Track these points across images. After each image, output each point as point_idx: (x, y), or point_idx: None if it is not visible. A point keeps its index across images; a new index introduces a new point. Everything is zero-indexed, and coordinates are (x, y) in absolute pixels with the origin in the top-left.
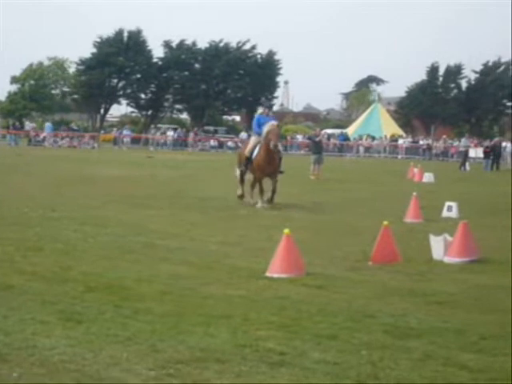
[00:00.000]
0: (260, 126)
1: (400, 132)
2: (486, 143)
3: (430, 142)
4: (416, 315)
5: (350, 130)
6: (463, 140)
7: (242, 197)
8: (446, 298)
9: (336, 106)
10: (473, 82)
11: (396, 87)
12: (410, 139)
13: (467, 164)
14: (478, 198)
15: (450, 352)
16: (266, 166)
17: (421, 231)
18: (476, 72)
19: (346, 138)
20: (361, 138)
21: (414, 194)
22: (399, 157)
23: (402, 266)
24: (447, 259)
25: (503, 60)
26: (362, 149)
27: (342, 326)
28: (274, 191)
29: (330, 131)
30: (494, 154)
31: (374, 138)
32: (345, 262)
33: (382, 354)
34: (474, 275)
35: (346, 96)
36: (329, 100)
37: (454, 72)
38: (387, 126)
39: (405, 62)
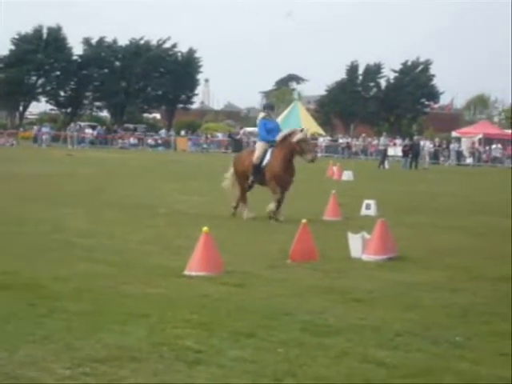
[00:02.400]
0: (268, 131)
1: (320, 131)
2: (406, 142)
3: (349, 140)
4: (334, 312)
5: None
6: (382, 138)
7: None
8: (364, 296)
9: (257, 104)
10: (392, 81)
11: (316, 86)
12: (329, 137)
13: (386, 162)
14: (396, 197)
15: (367, 349)
16: (284, 176)
17: (339, 229)
18: (395, 71)
19: None
20: None
21: (333, 191)
22: (319, 155)
23: (320, 263)
24: (365, 257)
25: (421, 59)
26: None
27: (259, 323)
28: (280, 203)
29: (250, 129)
30: (412, 153)
31: None
32: (263, 260)
33: (300, 351)
34: (392, 273)
35: (267, 94)
36: (249, 98)
37: (374, 71)
38: (307, 125)
39: (324, 61)
